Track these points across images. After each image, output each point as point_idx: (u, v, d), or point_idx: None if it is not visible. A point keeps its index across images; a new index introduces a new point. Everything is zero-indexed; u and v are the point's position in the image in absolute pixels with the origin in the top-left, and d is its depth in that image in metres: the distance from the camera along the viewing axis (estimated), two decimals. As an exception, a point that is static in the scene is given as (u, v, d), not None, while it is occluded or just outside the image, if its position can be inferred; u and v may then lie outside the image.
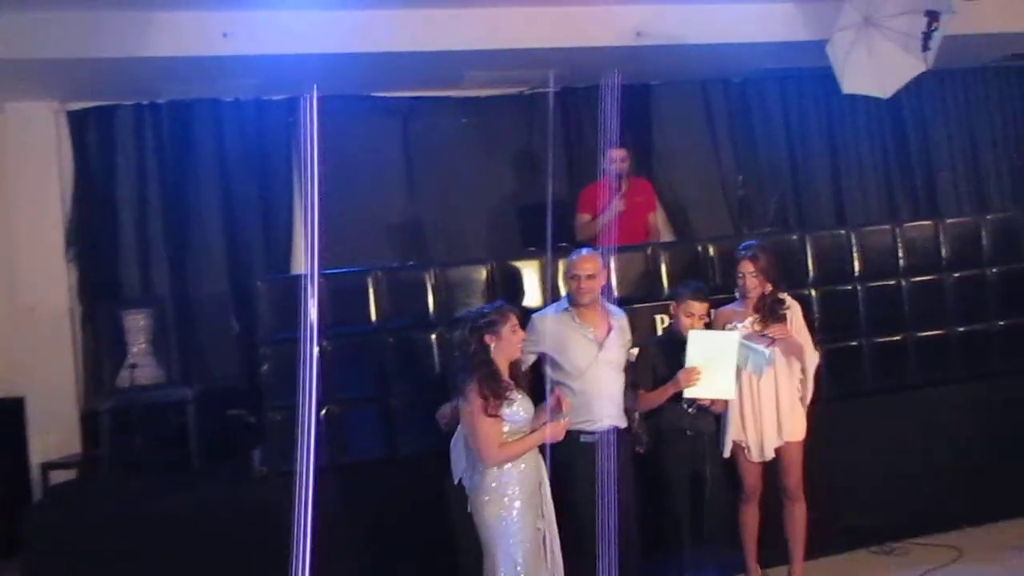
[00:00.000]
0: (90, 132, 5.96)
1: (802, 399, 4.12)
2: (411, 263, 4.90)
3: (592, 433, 3.69)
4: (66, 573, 3.97)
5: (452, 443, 3.62)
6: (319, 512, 4.00)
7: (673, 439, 3.95)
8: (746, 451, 4.07)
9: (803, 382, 4.10)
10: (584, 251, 3.95)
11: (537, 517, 3.41)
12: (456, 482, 3.55)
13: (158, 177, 6.03)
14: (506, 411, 3.34)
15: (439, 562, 4.11)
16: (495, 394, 3.31)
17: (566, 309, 3.85)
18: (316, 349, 2.62)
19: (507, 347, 3.43)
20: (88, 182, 5.93)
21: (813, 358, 4.09)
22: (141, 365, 4.74)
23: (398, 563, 4.16)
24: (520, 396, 3.44)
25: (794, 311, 4.10)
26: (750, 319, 4.05)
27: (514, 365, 3.51)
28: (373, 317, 4.37)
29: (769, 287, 4.03)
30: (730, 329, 4.02)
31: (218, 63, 5.40)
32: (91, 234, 5.89)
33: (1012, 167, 7.56)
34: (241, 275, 6.10)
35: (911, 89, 6.00)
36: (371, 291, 4.38)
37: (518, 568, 3.29)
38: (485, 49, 5.85)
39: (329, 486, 4.11)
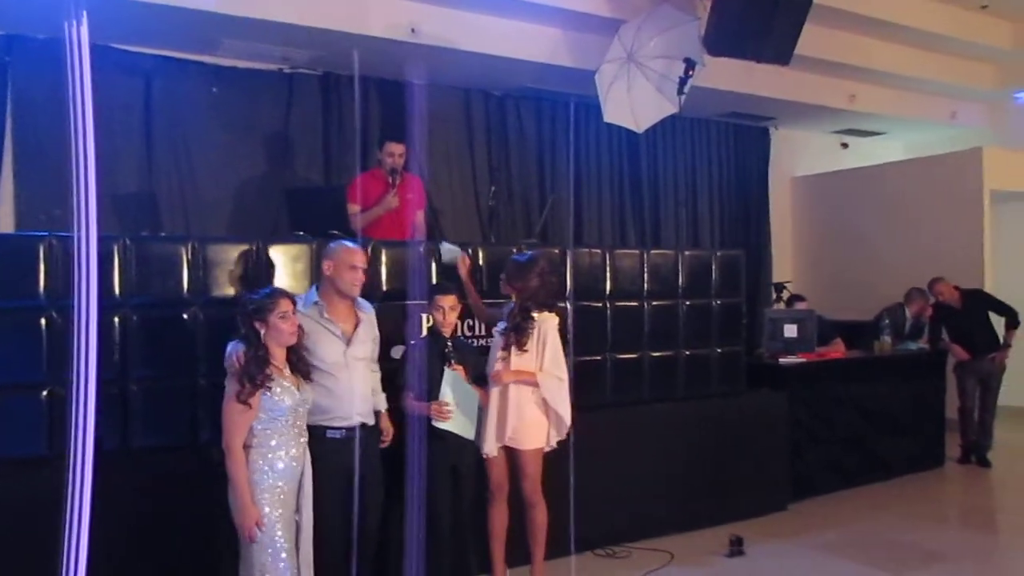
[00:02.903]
0: None
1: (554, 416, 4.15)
2: (164, 234, 4.40)
3: (339, 429, 3.64)
4: None
5: None
6: (56, 506, 3.54)
7: (437, 431, 3.95)
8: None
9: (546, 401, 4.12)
10: (349, 242, 3.85)
11: (293, 511, 3.35)
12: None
13: None
14: (264, 398, 3.25)
15: (184, 556, 3.79)
16: (252, 381, 3.21)
17: (316, 303, 3.69)
18: (93, 321, 2.25)
19: (276, 334, 3.32)
20: None
21: (550, 383, 4.06)
22: None
23: (135, 556, 3.72)
24: (289, 384, 3.33)
25: (545, 327, 4.11)
26: (504, 324, 4.16)
27: (291, 351, 3.39)
28: (116, 290, 3.88)
29: (525, 300, 4.08)
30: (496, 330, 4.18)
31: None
32: None
33: (722, 210, 8.54)
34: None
35: (648, 129, 6.54)
36: (116, 261, 3.88)
37: (270, 559, 3.22)
38: (243, 16, 5.50)
39: (49, 478, 3.64)
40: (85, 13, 2.26)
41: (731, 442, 5.52)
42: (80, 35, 2.25)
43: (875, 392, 6.55)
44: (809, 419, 6.10)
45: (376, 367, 3.92)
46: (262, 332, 3.28)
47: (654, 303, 5.34)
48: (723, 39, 6.01)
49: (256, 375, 3.21)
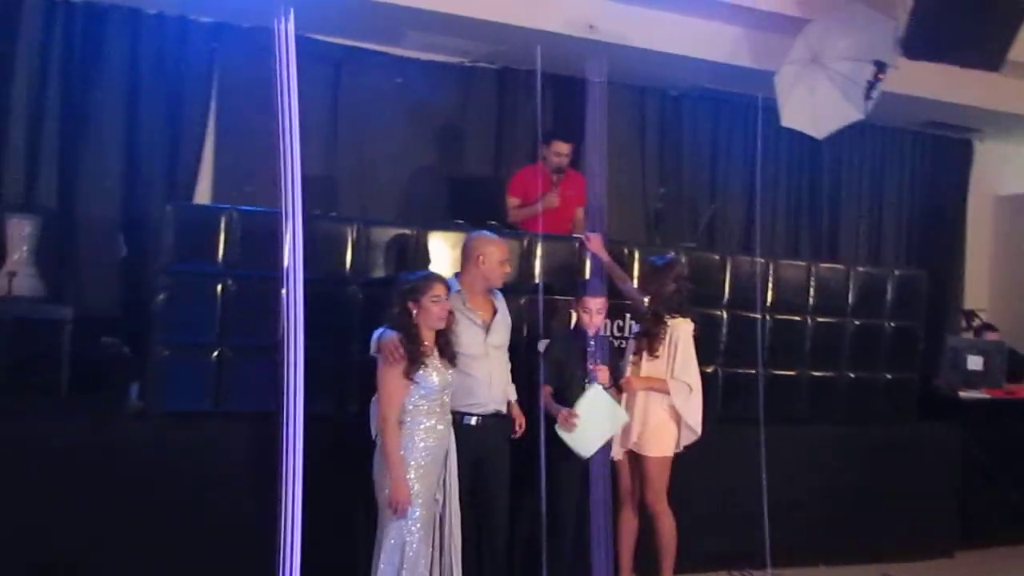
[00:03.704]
0: (-8, 20, 5.43)
1: (685, 424, 4.08)
2: (333, 214, 4.65)
3: (474, 416, 3.73)
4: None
5: (374, 399, 3.55)
6: (219, 460, 3.82)
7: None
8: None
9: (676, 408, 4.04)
10: (492, 235, 3.93)
11: (437, 489, 3.46)
12: (374, 437, 3.50)
13: (61, 80, 5.53)
14: (417, 376, 3.37)
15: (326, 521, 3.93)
16: (411, 357, 3.34)
17: (458, 292, 3.76)
18: (298, 290, 2.41)
19: (427, 316, 3.44)
20: (-18, 73, 5.41)
21: (679, 390, 4.02)
22: (21, 275, 4.30)
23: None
24: (439, 365, 3.45)
25: (678, 333, 4.03)
26: (637, 328, 4.15)
27: (441, 335, 3.49)
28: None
29: (658, 304, 4.03)
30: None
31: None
32: (-23, 129, 5.36)
33: (910, 226, 7.96)
34: (137, 198, 5.71)
35: (833, 135, 6.19)
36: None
37: (405, 534, 3.34)
38: (428, 9, 5.66)
39: (214, 433, 3.95)
40: (292, 10, 2.41)
41: (894, 475, 5.16)
42: (288, 30, 2.40)
43: (1072, 440, 5.88)
44: (988, 460, 5.57)
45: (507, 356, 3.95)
46: (414, 312, 3.41)
47: (818, 319, 5.07)
48: (923, 41, 5.57)
49: (416, 353, 3.35)
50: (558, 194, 5.07)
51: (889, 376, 5.25)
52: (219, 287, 4.06)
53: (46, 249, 4.79)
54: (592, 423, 3.85)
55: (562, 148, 5.15)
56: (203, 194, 6.07)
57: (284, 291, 2.33)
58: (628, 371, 4.06)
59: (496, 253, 3.81)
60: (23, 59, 5.45)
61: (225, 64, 6.08)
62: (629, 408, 4.04)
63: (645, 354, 4.02)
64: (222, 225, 4.07)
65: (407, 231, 4.36)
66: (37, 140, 5.46)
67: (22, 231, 4.48)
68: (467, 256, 3.87)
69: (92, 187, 5.60)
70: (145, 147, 5.79)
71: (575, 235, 4.76)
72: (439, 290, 3.46)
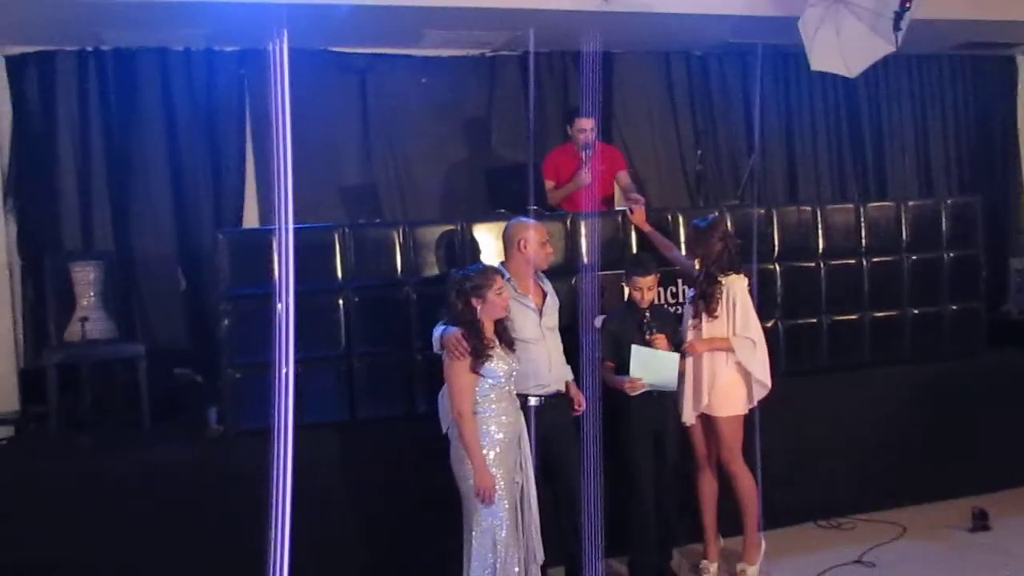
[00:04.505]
0: (29, 78, 5.60)
1: (754, 379, 4.08)
2: (378, 220, 4.74)
3: (538, 396, 3.79)
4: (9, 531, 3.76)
5: (440, 395, 3.64)
6: (304, 470, 3.94)
7: (639, 398, 3.96)
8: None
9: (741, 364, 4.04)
10: (529, 220, 3.96)
11: (515, 471, 3.53)
12: (444, 432, 3.58)
13: (102, 128, 5.73)
14: (486, 366, 3.44)
15: (411, 519, 4.09)
16: (476, 352, 3.41)
17: (508, 280, 3.80)
18: (290, 305, 2.49)
19: (492, 309, 3.52)
20: (27, 131, 5.59)
21: (743, 346, 4.02)
22: (92, 319, 4.49)
23: (366, 522, 4.10)
24: (502, 353, 3.53)
25: (734, 290, 4.03)
26: (692, 292, 4.16)
27: (499, 323, 3.58)
28: (339, 275, 4.24)
29: (709, 265, 4.05)
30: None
31: (167, 10, 5.08)
32: (30, 186, 5.58)
33: (959, 154, 7.77)
34: (189, 230, 5.88)
35: (868, 71, 6.07)
36: (337, 248, 4.24)
37: (493, 519, 3.41)
38: (444, 6, 5.69)
39: (297, 446, 4.05)
40: (285, 31, 2.49)
41: (972, 408, 5.09)
42: (281, 51, 2.48)
43: None
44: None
45: None
46: (479, 308, 3.48)
47: (874, 259, 5.00)
48: (949, -39, 5.44)
49: (479, 347, 3.42)
50: (589, 170, 5.08)
51: (954, 307, 5.16)
52: (277, 305, 4.16)
53: (111, 291, 4.97)
54: (654, 374, 3.92)
55: (585, 124, 5.15)
56: (250, 218, 6.24)
57: (276, 302, 2.38)
58: (689, 335, 4.07)
59: (536, 236, 3.86)
60: (63, 111, 5.65)
61: (255, 89, 6.20)
62: (696, 372, 4.06)
63: (704, 316, 4.03)
64: (272, 245, 4.18)
65: (452, 227, 4.43)
66: (87, 188, 5.67)
67: (87, 277, 4.65)
68: (509, 244, 3.93)
69: (145, 226, 5.79)
70: (190, 180, 5.95)
71: (619, 208, 4.77)
72: (500, 282, 3.56)
